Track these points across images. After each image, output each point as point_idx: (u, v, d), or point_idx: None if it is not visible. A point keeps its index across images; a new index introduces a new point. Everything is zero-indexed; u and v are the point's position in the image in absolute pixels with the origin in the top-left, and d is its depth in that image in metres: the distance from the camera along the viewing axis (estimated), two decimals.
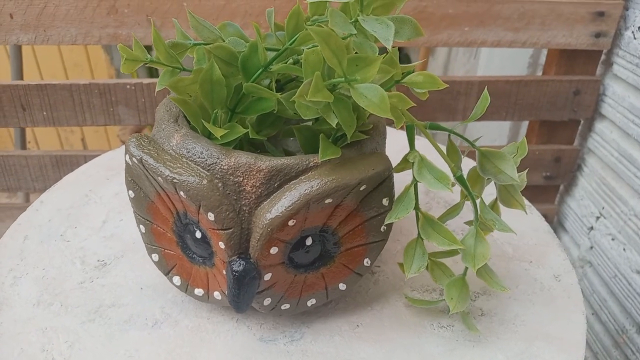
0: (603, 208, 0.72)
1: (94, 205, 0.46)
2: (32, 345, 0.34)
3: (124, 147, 0.56)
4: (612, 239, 0.70)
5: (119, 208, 0.46)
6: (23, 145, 0.98)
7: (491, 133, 0.98)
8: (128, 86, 0.66)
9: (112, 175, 0.50)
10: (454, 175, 0.33)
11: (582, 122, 0.75)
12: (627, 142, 0.66)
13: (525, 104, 0.71)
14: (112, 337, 0.35)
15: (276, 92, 0.34)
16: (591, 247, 0.75)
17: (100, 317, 0.36)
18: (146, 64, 0.31)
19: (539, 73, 0.84)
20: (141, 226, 0.35)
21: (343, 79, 0.27)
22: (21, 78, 0.91)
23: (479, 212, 0.33)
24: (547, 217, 0.81)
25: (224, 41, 0.32)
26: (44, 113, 0.67)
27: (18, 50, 0.88)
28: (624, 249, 0.68)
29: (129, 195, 0.34)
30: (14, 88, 0.65)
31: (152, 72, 1.33)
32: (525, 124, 0.86)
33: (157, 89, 0.32)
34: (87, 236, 0.43)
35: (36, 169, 0.71)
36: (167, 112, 0.34)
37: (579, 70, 0.70)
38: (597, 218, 0.74)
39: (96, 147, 1.75)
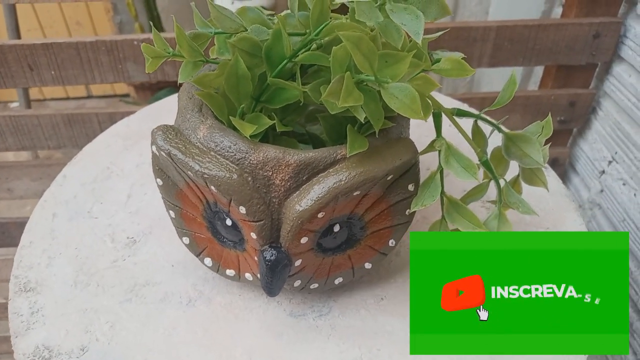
0: (616, 153, 0.72)
1: (116, 179, 0.47)
2: (76, 327, 0.36)
3: (138, 114, 0.56)
4: (623, 184, 0.71)
5: (142, 181, 0.47)
6: (27, 98, 0.97)
7: (505, 74, 0.96)
8: (135, 42, 0.64)
9: (130, 145, 0.50)
10: (479, 160, 0.33)
11: (599, 64, 0.73)
12: None
13: (542, 48, 0.69)
14: (150, 316, 0.37)
15: (300, 74, 0.33)
16: (601, 191, 0.76)
17: (137, 296, 0.38)
18: (169, 58, 0.30)
19: (557, 12, 0.80)
20: (171, 211, 0.36)
21: (373, 77, 0.27)
22: (19, 37, 0.88)
23: (502, 194, 0.34)
24: (558, 160, 0.82)
25: (245, 29, 0.31)
26: (52, 72, 0.65)
27: (12, 9, 0.85)
28: (634, 195, 0.69)
29: (157, 183, 0.35)
30: (19, 48, 0.63)
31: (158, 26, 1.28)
32: (540, 67, 0.84)
33: (179, 81, 0.32)
34: (113, 212, 0.44)
35: (49, 128, 0.71)
36: (189, 99, 0.34)
37: (600, 12, 0.68)
38: (610, 162, 0.74)
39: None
